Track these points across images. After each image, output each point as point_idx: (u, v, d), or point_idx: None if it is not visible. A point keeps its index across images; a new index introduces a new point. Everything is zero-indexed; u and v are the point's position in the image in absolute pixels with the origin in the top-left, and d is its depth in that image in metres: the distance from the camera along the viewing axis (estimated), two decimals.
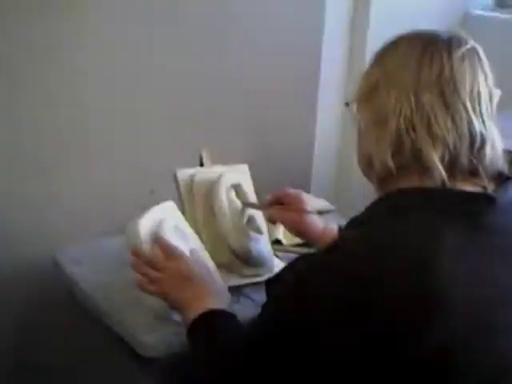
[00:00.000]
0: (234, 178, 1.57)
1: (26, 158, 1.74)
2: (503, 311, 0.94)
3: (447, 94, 0.98)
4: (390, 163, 1.00)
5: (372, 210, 1.02)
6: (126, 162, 1.89)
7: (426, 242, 0.93)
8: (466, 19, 2.41)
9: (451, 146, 0.97)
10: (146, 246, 1.30)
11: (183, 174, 1.55)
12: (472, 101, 0.99)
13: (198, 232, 1.47)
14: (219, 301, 1.24)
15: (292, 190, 1.50)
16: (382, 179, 1.04)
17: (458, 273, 0.91)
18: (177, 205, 1.46)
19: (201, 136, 1.92)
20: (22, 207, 1.76)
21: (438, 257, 0.91)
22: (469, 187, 1.00)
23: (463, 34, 1.04)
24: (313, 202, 1.52)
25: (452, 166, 0.98)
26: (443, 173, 0.97)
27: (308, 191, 1.64)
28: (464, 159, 0.99)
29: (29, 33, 1.65)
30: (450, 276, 0.90)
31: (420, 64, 0.99)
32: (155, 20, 1.84)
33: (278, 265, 1.57)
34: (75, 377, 1.71)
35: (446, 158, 0.98)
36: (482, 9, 2.46)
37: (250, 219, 1.57)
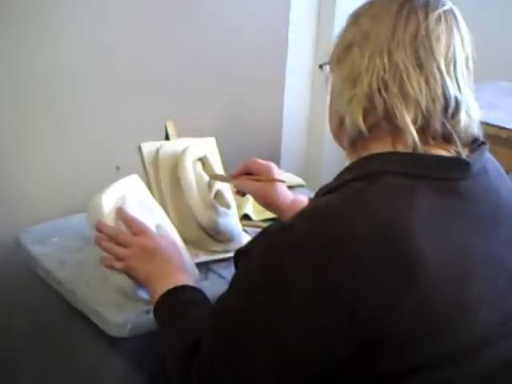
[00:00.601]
0: (201, 151, 1.54)
1: None
2: (476, 280, 0.92)
3: (421, 54, 0.95)
4: (362, 123, 0.98)
5: (343, 176, 1.00)
6: (91, 138, 1.85)
7: (397, 206, 0.90)
8: None
9: (424, 109, 0.95)
10: (110, 222, 1.27)
11: (148, 146, 1.52)
12: (447, 63, 0.96)
13: (164, 206, 1.45)
14: (187, 277, 1.21)
15: (262, 161, 1.46)
16: (353, 142, 1.02)
17: (432, 238, 0.89)
18: (142, 179, 1.42)
19: (167, 110, 1.89)
20: None
21: (411, 221, 0.89)
22: (442, 152, 0.98)
23: None
24: (282, 176, 1.49)
25: (425, 129, 0.96)
26: (415, 136, 0.95)
27: (277, 166, 1.63)
28: (437, 123, 0.96)
29: None
30: (423, 240, 0.88)
31: (395, 23, 0.97)
32: None
33: (247, 240, 1.54)
34: (40, 358, 1.69)
35: (419, 121, 0.96)
36: None
37: (218, 193, 1.54)
